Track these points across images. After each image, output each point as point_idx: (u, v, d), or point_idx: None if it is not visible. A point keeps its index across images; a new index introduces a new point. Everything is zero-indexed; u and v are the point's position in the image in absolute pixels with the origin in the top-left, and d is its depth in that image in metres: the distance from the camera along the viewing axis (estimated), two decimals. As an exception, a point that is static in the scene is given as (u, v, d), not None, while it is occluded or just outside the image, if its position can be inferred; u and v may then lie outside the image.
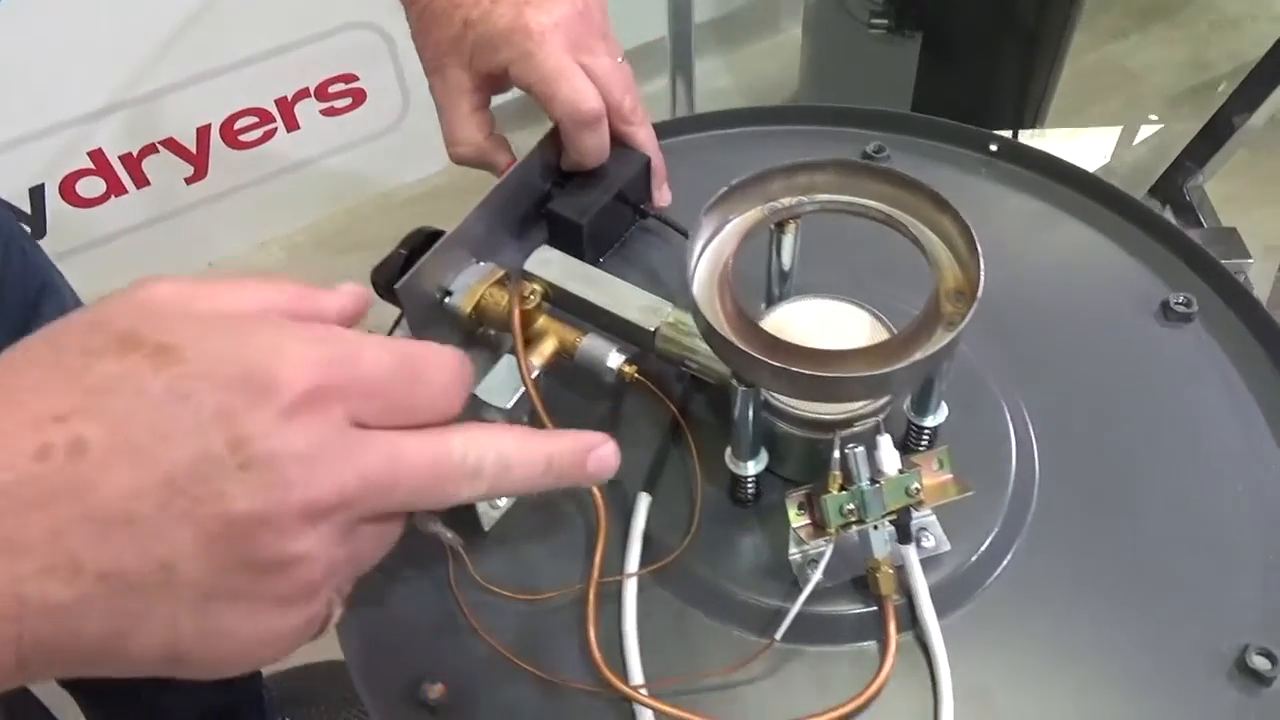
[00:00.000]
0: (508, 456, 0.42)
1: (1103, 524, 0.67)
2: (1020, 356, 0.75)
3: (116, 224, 2.20)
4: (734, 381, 0.57)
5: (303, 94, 2.24)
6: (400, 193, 2.46)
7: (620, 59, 0.76)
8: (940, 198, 0.58)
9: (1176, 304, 0.76)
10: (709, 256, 0.60)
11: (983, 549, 0.64)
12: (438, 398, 0.41)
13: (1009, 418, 0.70)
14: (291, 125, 2.28)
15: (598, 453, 0.45)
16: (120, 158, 2.12)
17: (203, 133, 2.17)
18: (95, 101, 2.02)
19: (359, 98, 2.31)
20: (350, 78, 2.26)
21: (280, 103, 2.23)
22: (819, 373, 0.51)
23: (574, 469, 0.44)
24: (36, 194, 2.09)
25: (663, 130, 0.87)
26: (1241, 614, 0.63)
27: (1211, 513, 0.67)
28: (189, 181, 2.23)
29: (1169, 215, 1.60)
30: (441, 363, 0.41)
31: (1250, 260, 1.34)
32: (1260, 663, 0.60)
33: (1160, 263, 0.80)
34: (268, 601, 0.38)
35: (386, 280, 0.68)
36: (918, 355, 0.52)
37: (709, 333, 0.55)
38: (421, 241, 0.69)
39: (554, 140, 0.74)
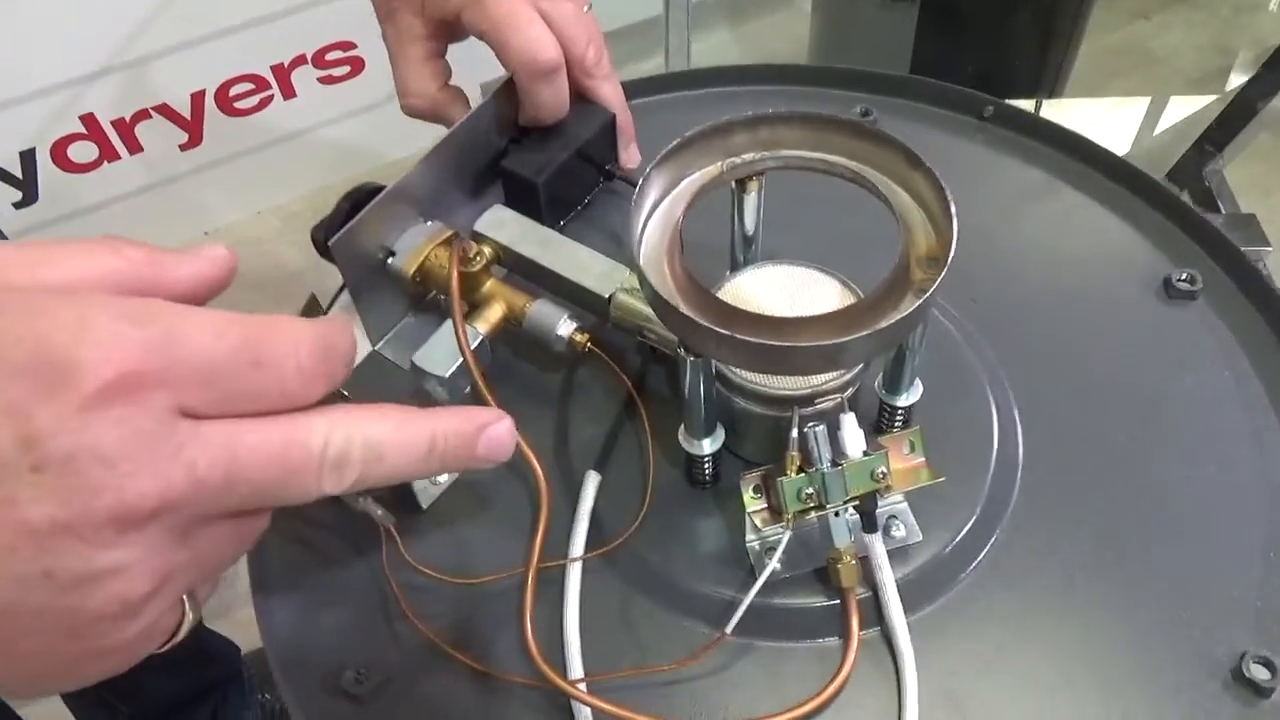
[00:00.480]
0: (379, 442, 0.37)
1: (1090, 516, 0.61)
2: (1007, 333, 0.69)
3: (109, 191, 2.16)
4: (681, 352, 0.52)
5: (299, 61, 2.19)
6: (401, 165, 2.41)
7: (587, 7, 0.71)
8: (913, 154, 0.53)
9: (1180, 281, 0.70)
10: (660, 216, 0.55)
11: (957, 540, 0.59)
12: (288, 381, 0.35)
13: (992, 399, 0.65)
14: (288, 93, 2.23)
15: (490, 432, 0.40)
16: (113, 123, 2.08)
17: (197, 99, 2.13)
18: (87, 64, 1.98)
19: (357, 66, 2.26)
20: (348, 45, 2.21)
21: (277, 70, 2.19)
22: (770, 341, 0.46)
23: (462, 451, 0.39)
24: (27, 158, 2.05)
25: (632, 90, 0.82)
26: (1238, 617, 0.57)
27: (1209, 505, 0.62)
28: (183, 148, 2.19)
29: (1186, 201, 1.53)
30: (294, 341, 0.35)
31: (1269, 248, 1.27)
32: (1259, 672, 0.54)
33: (1165, 238, 0.74)
34: (83, 618, 0.33)
35: (325, 237, 0.63)
36: (881, 324, 0.47)
37: (653, 298, 0.50)
38: (364, 197, 0.65)
39: (510, 92, 0.69)
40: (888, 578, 0.56)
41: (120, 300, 0.34)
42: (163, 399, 0.33)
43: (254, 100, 2.21)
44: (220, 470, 0.33)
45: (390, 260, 0.66)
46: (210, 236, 2.34)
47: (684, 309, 0.48)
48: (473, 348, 0.62)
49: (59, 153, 2.08)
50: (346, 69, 2.26)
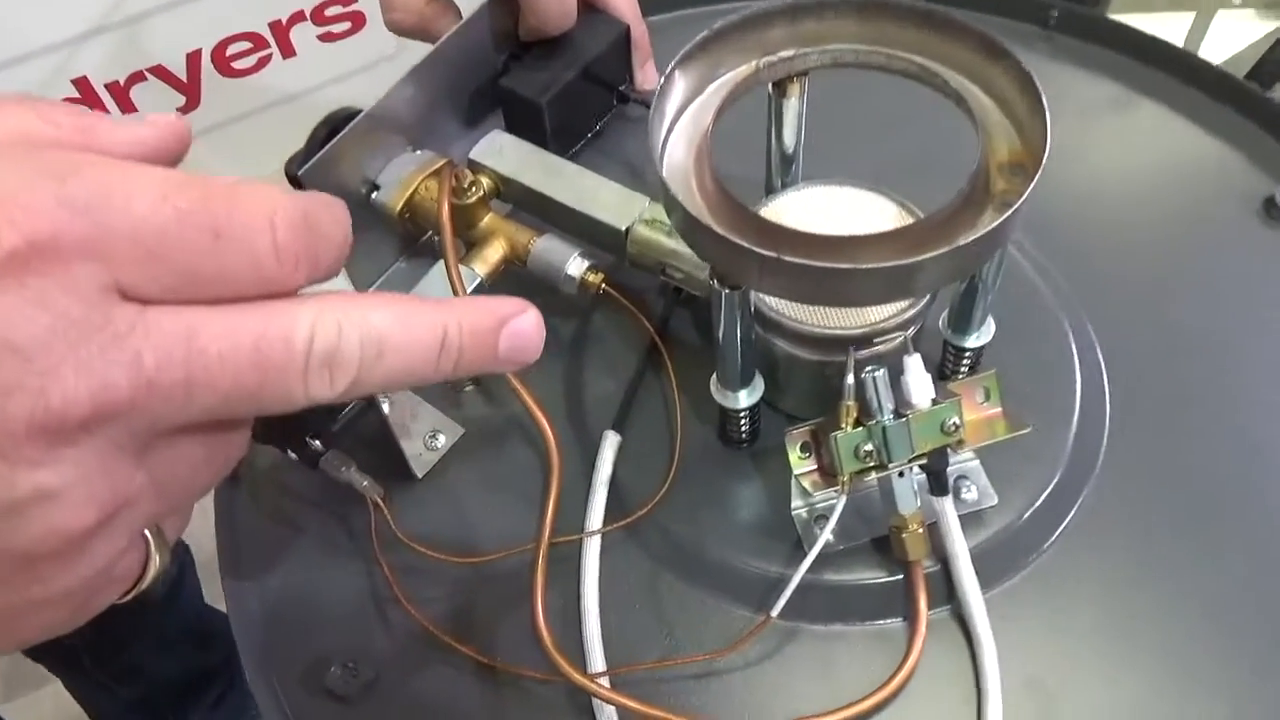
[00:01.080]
0: (380, 335, 0.28)
1: (1190, 474, 0.53)
2: (1085, 266, 0.60)
3: (105, 158, 2.09)
4: (714, 283, 0.43)
5: (298, 18, 2.09)
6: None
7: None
8: (994, 42, 0.44)
9: (1285, 199, 0.61)
10: (686, 125, 0.46)
11: (1038, 504, 0.51)
12: (263, 261, 0.27)
13: (1073, 340, 0.56)
14: (287, 51, 2.14)
15: (515, 325, 0.32)
16: (107, 86, 2.00)
17: (193, 59, 2.04)
18: (78, 25, 1.89)
19: (358, 22, 2.16)
20: (349, 1, 2.12)
21: (275, 27, 2.09)
22: (826, 264, 0.38)
23: (480, 350, 0.31)
24: (20, 125, 1.98)
25: (650, 3, 0.73)
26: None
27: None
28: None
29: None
30: (267, 210, 0.27)
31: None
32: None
33: (1262, 151, 0.65)
34: (12, 559, 0.26)
35: (299, 169, 0.55)
36: (959, 241, 0.38)
37: (682, 217, 0.41)
38: (341, 123, 0.56)
39: (509, 1, 0.60)
40: (960, 548, 0.48)
41: (36, 151, 0.26)
42: (92, 274, 0.25)
43: (252, 60, 2.12)
44: (177, 369, 0.26)
45: (374, 195, 0.58)
46: (212, 204, 2.26)
47: (718, 228, 0.39)
48: (469, 291, 0.53)
49: (52, 118, 2.00)
50: (347, 25, 2.16)
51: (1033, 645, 0.48)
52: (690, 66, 0.46)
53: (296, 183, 0.56)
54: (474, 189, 0.56)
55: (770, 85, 0.50)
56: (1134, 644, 0.48)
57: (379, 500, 0.52)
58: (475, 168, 0.59)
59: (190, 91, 2.12)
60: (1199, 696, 0.47)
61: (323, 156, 0.53)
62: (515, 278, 0.60)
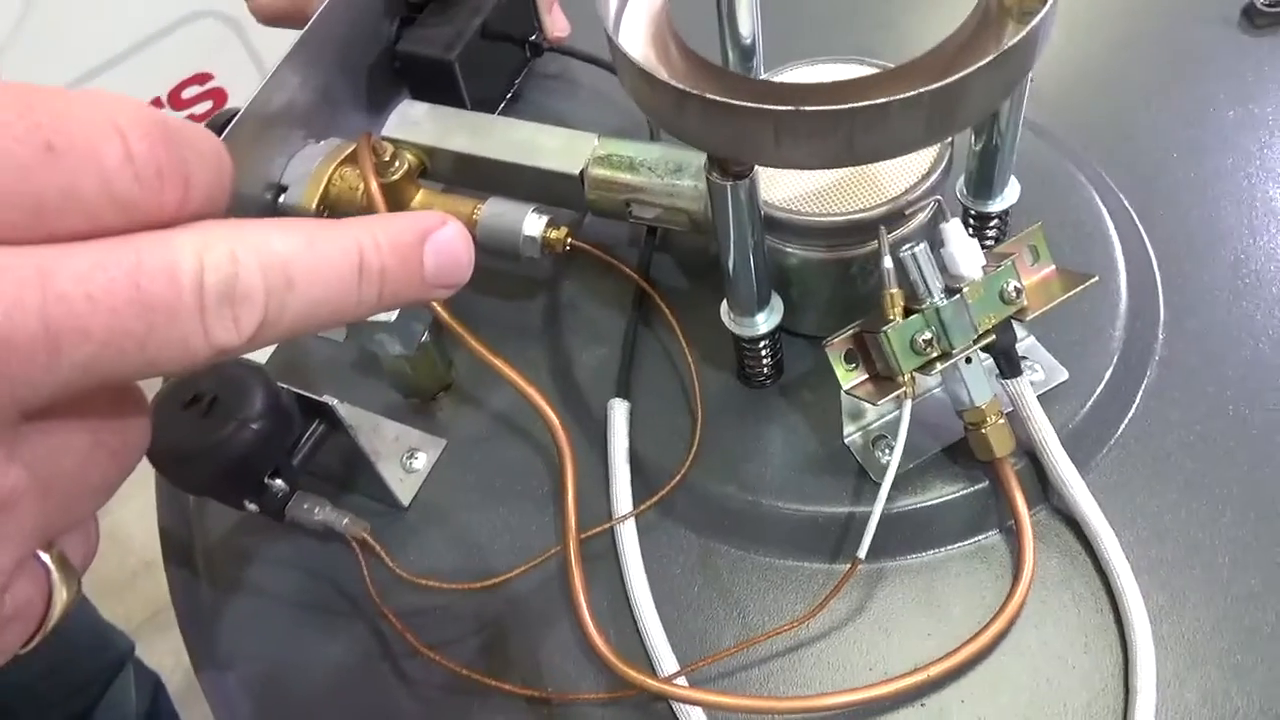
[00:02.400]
0: (285, 260, 0.21)
1: (1261, 303, 0.47)
2: (1082, 114, 0.55)
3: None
4: (714, 177, 0.36)
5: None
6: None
7: None
8: None
9: (1264, 5, 0.56)
10: (637, 14, 0.39)
11: (1113, 365, 0.45)
12: (116, 179, 0.20)
13: (1092, 190, 0.50)
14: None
15: (438, 238, 0.25)
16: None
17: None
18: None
19: (219, 98, 2.07)
20: (204, 77, 2.01)
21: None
22: (857, 104, 0.31)
23: (405, 270, 0.24)
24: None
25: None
26: None
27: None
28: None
29: None
30: (109, 116, 0.20)
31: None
32: None
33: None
34: None
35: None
36: (1010, 43, 0.31)
37: (666, 101, 0.34)
38: (221, 128, 0.48)
39: (386, -45, 0.53)
40: (1048, 432, 0.41)
41: None
42: None
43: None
44: (31, 318, 0.18)
45: (282, 198, 0.50)
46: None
47: (717, 96, 0.32)
48: (418, 275, 0.45)
49: None
50: (209, 104, 2.06)
51: (1148, 522, 0.42)
52: (625, -55, 0.39)
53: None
54: (398, 163, 0.48)
55: (714, -39, 0.43)
56: (1243, 485, 0.42)
57: (366, 538, 0.43)
58: (392, 145, 0.51)
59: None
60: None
61: (213, 157, 0.45)
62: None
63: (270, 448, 0.39)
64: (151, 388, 0.42)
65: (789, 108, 0.31)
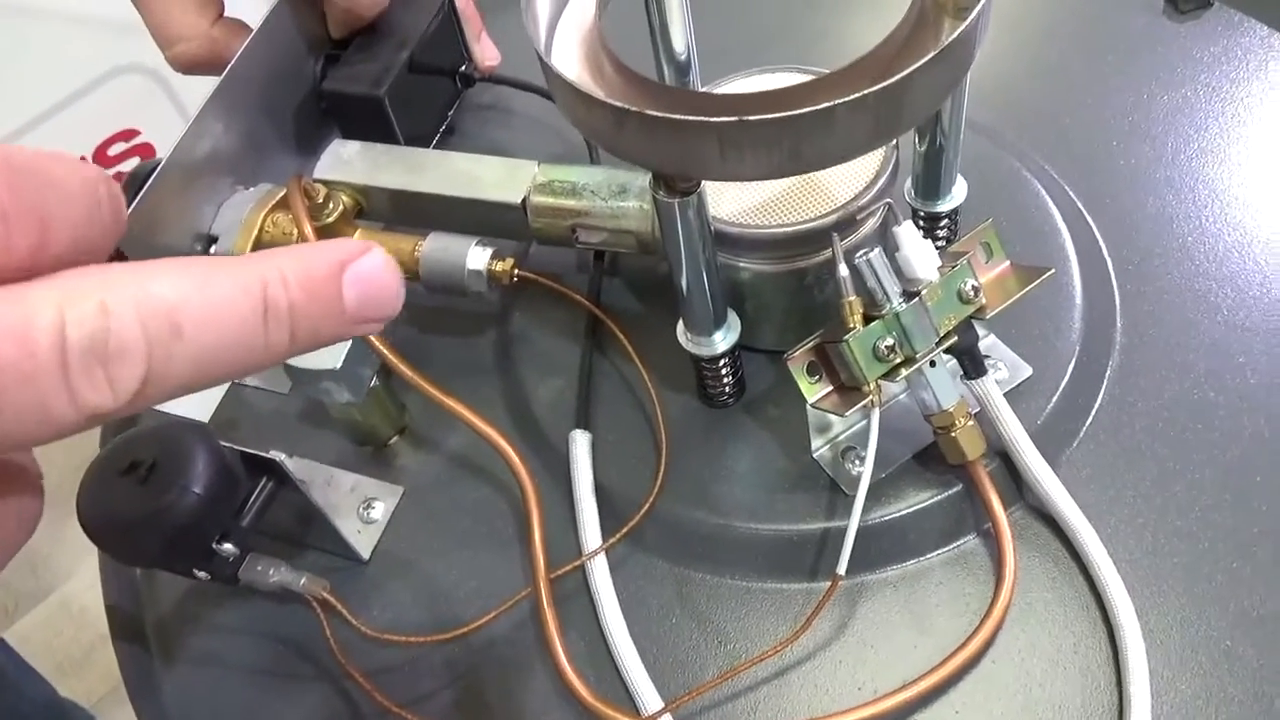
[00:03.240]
0: (171, 307, 0.19)
1: (1204, 264, 0.47)
2: (1017, 107, 0.55)
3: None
4: (660, 195, 0.35)
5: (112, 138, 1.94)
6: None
7: None
8: None
9: (1186, -10, 0.57)
10: (569, 33, 0.38)
11: (1074, 360, 0.44)
12: None
13: (1037, 182, 0.50)
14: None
15: (358, 268, 0.22)
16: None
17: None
18: None
19: (147, 153, 2.02)
20: (130, 133, 1.97)
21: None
22: (803, 110, 0.30)
23: (320, 306, 0.22)
24: None
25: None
26: None
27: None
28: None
29: None
30: None
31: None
32: None
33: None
34: None
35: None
36: (950, 36, 0.31)
37: (605, 119, 0.33)
38: (143, 181, 0.46)
39: (307, -5, 0.51)
40: (1018, 430, 0.41)
41: None
42: None
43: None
44: None
45: (213, 249, 0.48)
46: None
47: (658, 111, 0.31)
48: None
49: None
50: (136, 159, 2.02)
51: (1127, 511, 0.41)
52: (550, -34, 0.38)
53: (117, 256, 0.45)
54: (331, 204, 0.46)
55: (643, -24, 0.42)
56: (1215, 468, 0.42)
57: (326, 597, 0.41)
58: (325, 186, 0.49)
59: None
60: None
61: (132, 216, 0.43)
62: (408, 303, 0.51)
63: (216, 512, 0.37)
64: (87, 454, 0.40)
65: (732, 119, 0.30)
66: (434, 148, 0.57)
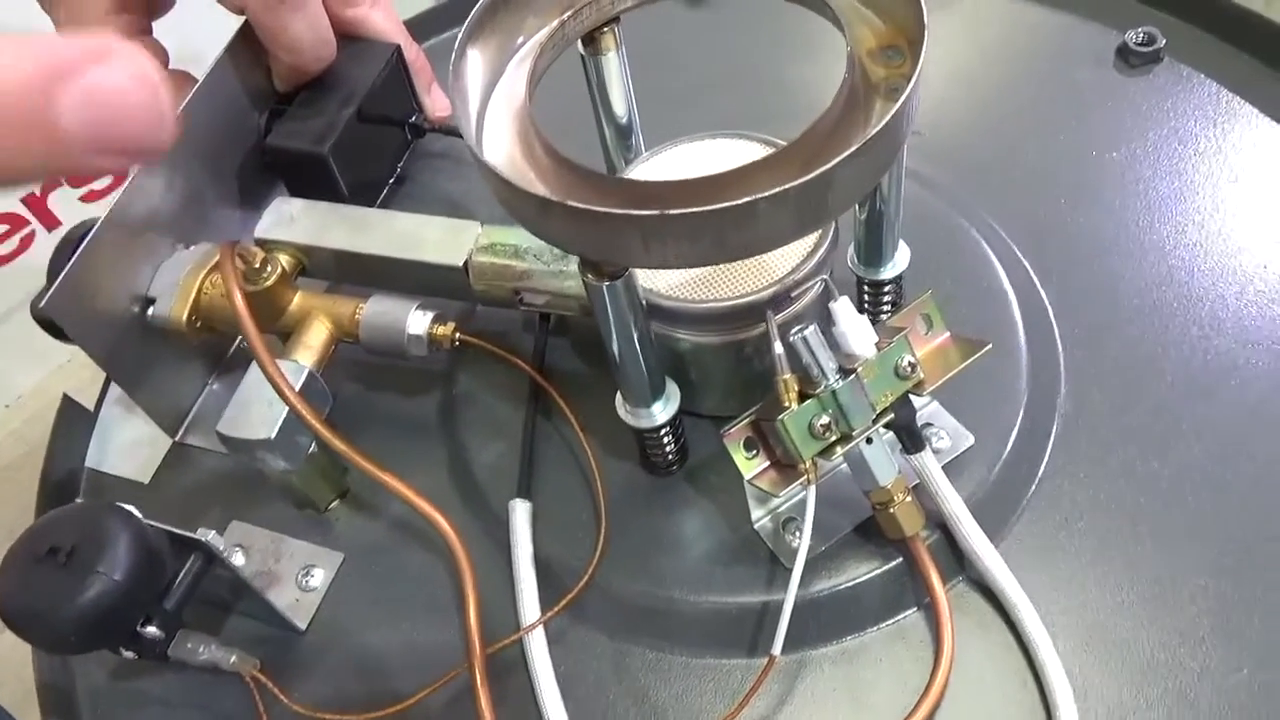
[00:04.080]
0: None
1: (1157, 338, 0.47)
2: (967, 164, 0.55)
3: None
4: (589, 279, 0.34)
5: (52, 185, 1.92)
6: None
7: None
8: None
9: (1136, 44, 0.57)
10: (500, 109, 0.38)
11: (1017, 428, 0.44)
12: None
13: (985, 245, 0.50)
14: (51, 223, 1.96)
15: (86, 79, 0.18)
16: None
17: (-56, 260, 1.84)
18: None
19: (122, 173, 2.01)
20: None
21: (31, 201, 1.92)
22: (722, 204, 0.30)
23: (16, 118, 0.17)
24: None
25: (421, 27, 0.65)
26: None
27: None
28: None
29: None
30: None
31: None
32: None
33: (1101, 4, 0.61)
34: None
35: (39, 303, 0.44)
36: (869, 133, 0.31)
37: (529, 208, 0.32)
38: (79, 241, 0.45)
39: (249, 44, 0.51)
40: (957, 505, 0.41)
41: None
42: None
43: (13, 243, 1.93)
44: None
45: (151, 311, 0.47)
46: (13, 409, 2.04)
47: (576, 202, 0.31)
48: (298, 388, 0.43)
49: None
50: (109, 179, 2.00)
51: (1069, 586, 0.41)
52: (484, 39, 0.38)
53: (48, 324, 0.45)
54: (269, 268, 0.46)
55: (581, 45, 0.42)
56: (1171, 542, 0.41)
57: (257, 675, 0.41)
58: (267, 246, 0.49)
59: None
60: (1237, 582, 0.40)
61: (65, 279, 0.43)
62: (346, 361, 0.50)
63: (138, 597, 0.36)
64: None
65: (654, 212, 0.30)
66: (385, 197, 0.57)
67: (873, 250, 0.44)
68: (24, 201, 1.94)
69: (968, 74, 0.60)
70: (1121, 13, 0.59)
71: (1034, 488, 0.43)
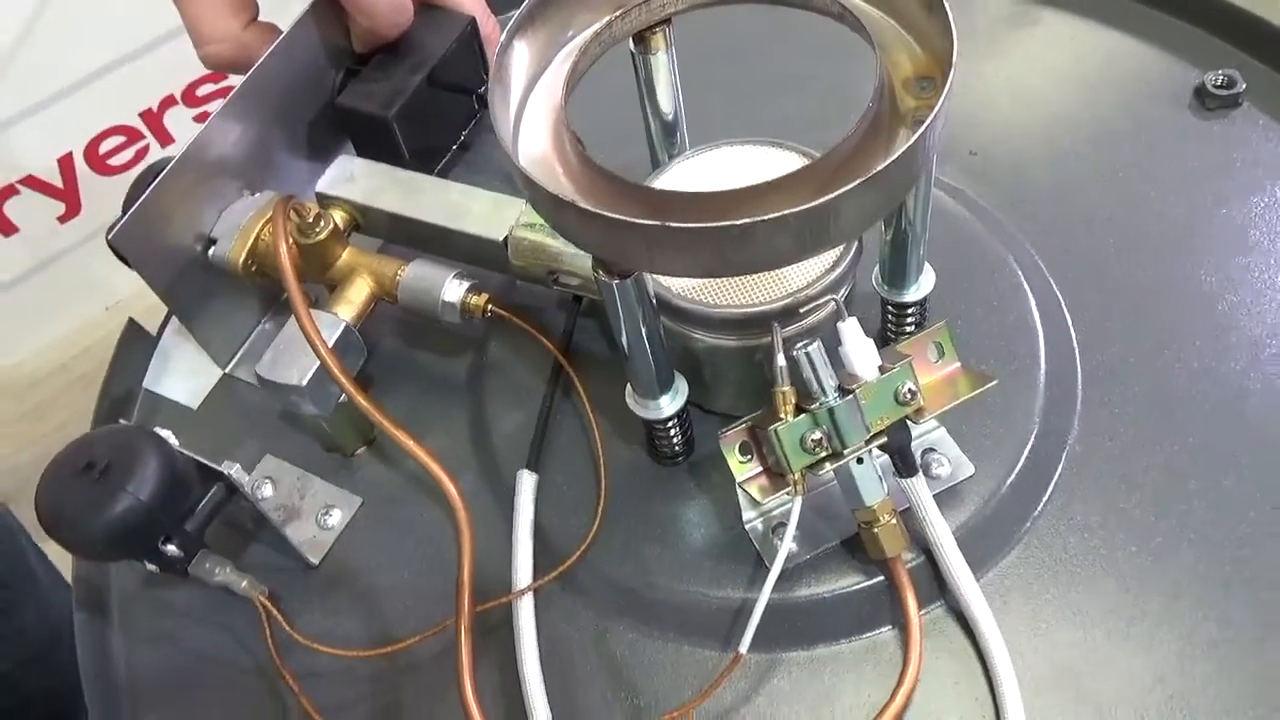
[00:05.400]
0: None
1: (1184, 394, 0.46)
2: (1022, 195, 0.54)
3: (-10, 279, 1.97)
4: (600, 275, 0.36)
5: (169, 102, 2.00)
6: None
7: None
8: (871, -56, 0.37)
9: (1215, 86, 0.56)
10: (541, 101, 0.39)
11: (1021, 462, 0.44)
12: None
13: (1022, 276, 0.50)
14: (164, 139, 2.04)
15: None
16: (-25, 202, 1.89)
17: (66, 163, 1.93)
18: (-67, 147, 1.79)
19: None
20: (220, 74, 2.03)
21: (147, 116, 2.00)
22: (720, 223, 0.31)
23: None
24: (-114, 260, 1.86)
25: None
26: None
27: (1329, 354, 0.47)
28: (62, 220, 2.00)
29: None
30: None
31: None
32: None
33: (1182, 41, 0.59)
34: None
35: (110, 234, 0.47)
36: (875, 168, 0.31)
37: (546, 204, 0.34)
38: (154, 177, 0.48)
39: (332, 8, 0.53)
40: (942, 532, 0.41)
41: None
42: None
43: (129, 154, 2.02)
44: None
45: (212, 250, 0.50)
46: (113, 311, 2.15)
47: (587, 204, 0.32)
48: (332, 341, 0.46)
49: (-79, 245, 1.89)
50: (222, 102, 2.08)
51: (1045, 628, 0.41)
52: (533, 31, 0.39)
53: (117, 253, 0.48)
54: (322, 224, 0.48)
55: (632, 43, 0.43)
56: (1152, 600, 0.41)
57: (264, 601, 0.44)
58: (325, 201, 0.52)
59: (68, 197, 2.01)
60: (1234, 648, 0.40)
61: (135, 214, 0.46)
62: (390, 318, 0.53)
63: (160, 518, 0.39)
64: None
65: (656, 223, 0.31)
66: (446, 163, 0.59)
67: (896, 271, 0.44)
68: (141, 116, 2.03)
69: (1036, 96, 0.59)
70: (1204, 51, 0.58)
71: (1028, 525, 0.44)
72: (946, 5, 0.35)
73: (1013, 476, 0.44)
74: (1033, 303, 0.49)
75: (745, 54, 0.63)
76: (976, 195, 0.53)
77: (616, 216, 0.32)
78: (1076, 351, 0.48)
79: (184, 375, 0.55)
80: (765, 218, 0.31)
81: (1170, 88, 0.57)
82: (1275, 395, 0.46)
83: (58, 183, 2.02)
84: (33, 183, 1.98)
